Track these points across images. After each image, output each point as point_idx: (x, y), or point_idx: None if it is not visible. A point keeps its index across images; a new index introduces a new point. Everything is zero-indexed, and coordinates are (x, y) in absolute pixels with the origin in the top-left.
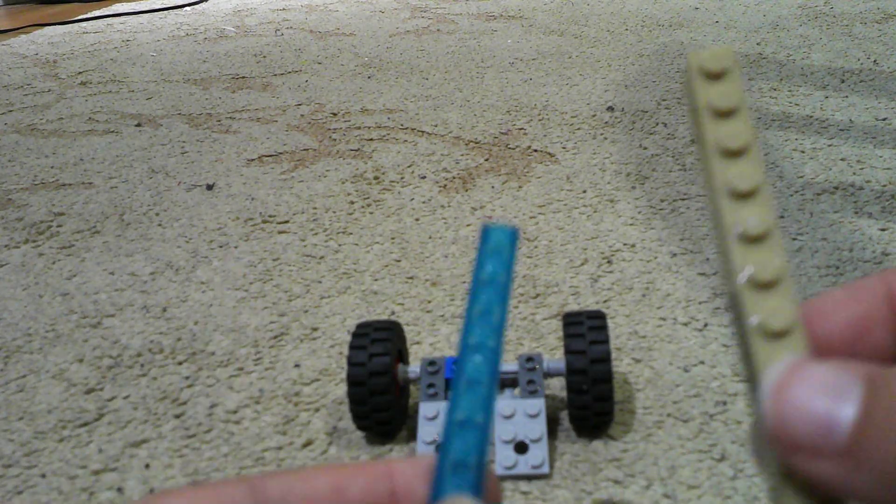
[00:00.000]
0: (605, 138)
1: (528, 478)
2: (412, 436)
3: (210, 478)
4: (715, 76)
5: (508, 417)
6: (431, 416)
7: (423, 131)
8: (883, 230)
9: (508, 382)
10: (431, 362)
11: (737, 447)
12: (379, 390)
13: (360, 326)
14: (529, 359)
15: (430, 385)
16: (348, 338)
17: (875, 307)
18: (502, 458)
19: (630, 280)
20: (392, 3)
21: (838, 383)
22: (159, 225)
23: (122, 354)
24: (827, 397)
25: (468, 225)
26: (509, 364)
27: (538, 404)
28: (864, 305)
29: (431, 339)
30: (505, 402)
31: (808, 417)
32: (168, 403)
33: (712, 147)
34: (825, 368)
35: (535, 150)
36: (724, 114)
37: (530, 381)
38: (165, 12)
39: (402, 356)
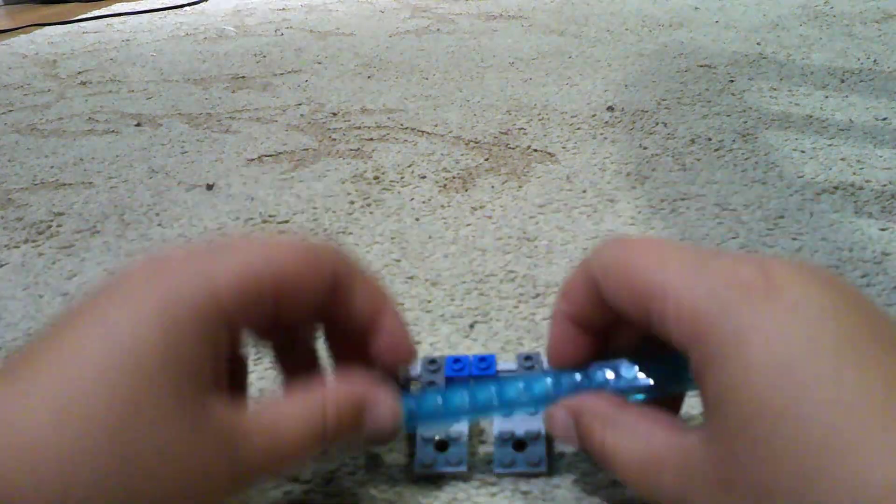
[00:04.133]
0: (605, 138)
1: (527, 475)
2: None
3: None
4: None
5: (506, 415)
6: None
7: (423, 131)
8: (883, 230)
9: None
10: (432, 360)
11: None
12: None
13: None
14: (528, 357)
15: (431, 383)
16: None
17: (580, 301)
18: (500, 455)
19: None
20: (392, 2)
21: (562, 418)
22: (159, 225)
23: None
24: (563, 425)
25: (468, 225)
26: (508, 363)
27: None
28: (575, 303)
29: (431, 339)
30: None
31: (562, 433)
32: None
33: None
34: (556, 412)
35: (535, 150)
36: None
37: None
38: (165, 12)
39: None
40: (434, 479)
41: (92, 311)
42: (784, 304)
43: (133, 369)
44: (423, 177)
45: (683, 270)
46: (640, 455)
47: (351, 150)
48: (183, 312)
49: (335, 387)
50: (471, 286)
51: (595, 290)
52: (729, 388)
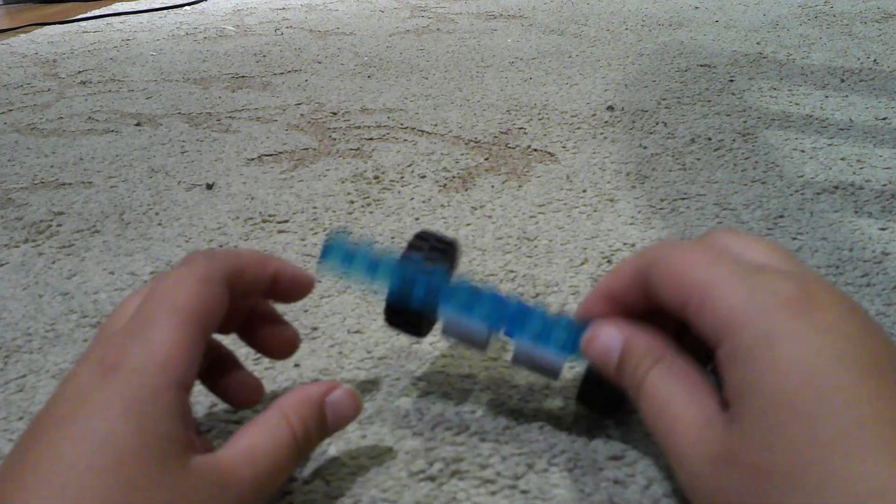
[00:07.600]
0: (605, 138)
1: (542, 371)
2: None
3: None
4: None
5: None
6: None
7: (422, 130)
8: (883, 230)
9: None
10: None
11: None
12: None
13: (421, 232)
14: None
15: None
16: (348, 337)
17: (625, 282)
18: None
19: None
20: (392, 2)
21: (612, 337)
22: (159, 224)
23: None
24: (607, 345)
25: (468, 224)
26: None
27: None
28: (620, 281)
29: (431, 339)
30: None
31: (599, 355)
32: None
33: None
34: (607, 328)
35: (535, 150)
36: None
37: None
38: (165, 12)
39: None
40: (433, 478)
41: (61, 426)
42: (819, 323)
43: (115, 466)
44: (423, 176)
45: (730, 275)
46: (672, 407)
47: (351, 149)
48: (145, 407)
49: (288, 396)
50: None
51: (640, 278)
52: (755, 380)
